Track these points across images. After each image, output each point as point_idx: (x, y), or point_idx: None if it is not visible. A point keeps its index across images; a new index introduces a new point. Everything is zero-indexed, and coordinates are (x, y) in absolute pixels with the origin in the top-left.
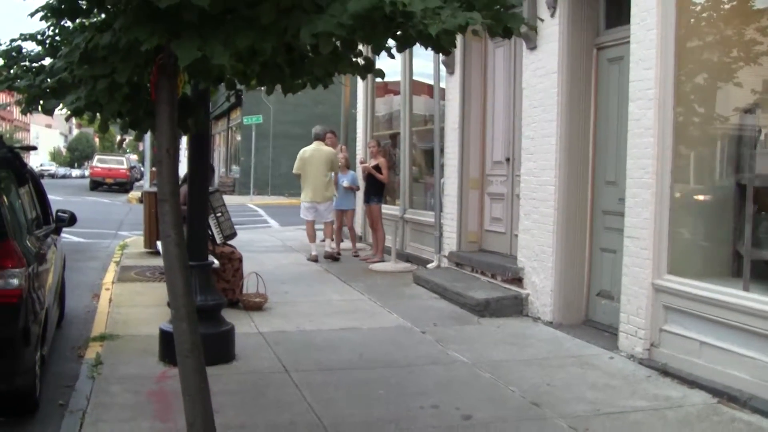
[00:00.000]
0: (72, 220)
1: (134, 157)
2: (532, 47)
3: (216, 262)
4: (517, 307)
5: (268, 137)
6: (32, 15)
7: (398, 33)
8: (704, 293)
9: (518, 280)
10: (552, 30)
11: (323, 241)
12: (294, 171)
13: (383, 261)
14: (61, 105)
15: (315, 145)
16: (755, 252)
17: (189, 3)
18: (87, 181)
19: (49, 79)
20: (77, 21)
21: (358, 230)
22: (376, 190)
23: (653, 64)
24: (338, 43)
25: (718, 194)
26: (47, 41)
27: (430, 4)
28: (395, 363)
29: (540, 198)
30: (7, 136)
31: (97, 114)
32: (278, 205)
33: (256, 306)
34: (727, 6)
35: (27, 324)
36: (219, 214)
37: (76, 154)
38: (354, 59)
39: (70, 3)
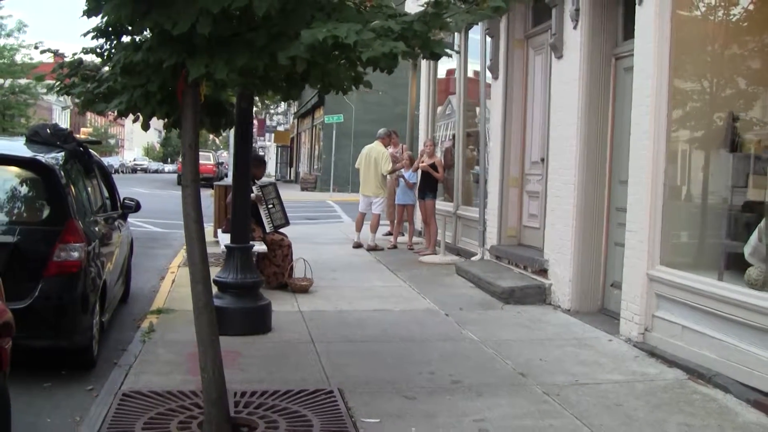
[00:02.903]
0: (137, 207)
1: (225, 154)
2: (559, 56)
3: (264, 247)
4: (540, 295)
5: (349, 136)
6: (85, 35)
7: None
8: (686, 282)
9: (544, 271)
10: (575, 40)
11: (386, 235)
12: (356, 165)
13: (435, 254)
14: (107, 107)
15: (374, 144)
16: (730, 245)
17: (195, 31)
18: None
19: (98, 88)
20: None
21: (417, 225)
22: (431, 186)
23: (650, 74)
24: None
25: (702, 193)
26: (105, 54)
27: (363, 37)
28: (412, 338)
29: (562, 195)
30: (102, 130)
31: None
32: (355, 201)
33: (302, 288)
34: (716, 22)
35: (86, 291)
36: (271, 206)
37: (169, 150)
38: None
39: (114, 27)
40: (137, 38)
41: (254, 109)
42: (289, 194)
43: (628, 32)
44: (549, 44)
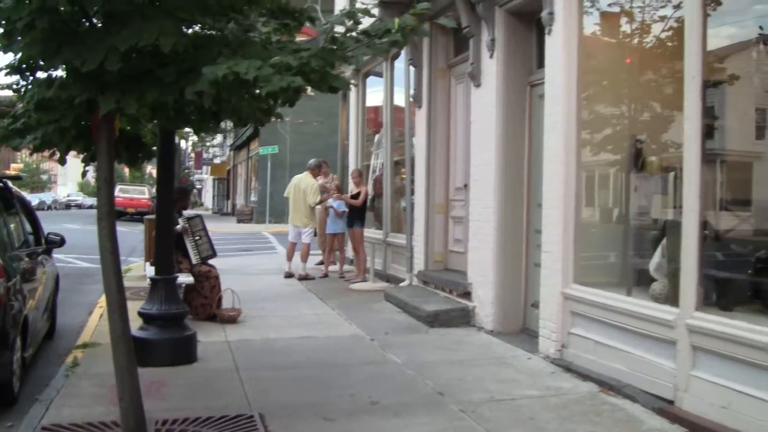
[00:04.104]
0: (62, 242)
1: None
2: (477, 85)
3: (190, 278)
4: (464, 318)
5: (285, 167)
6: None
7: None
8: (598, 299)
9: (468, 294)
10: (491, 69)
11: (318, 264)
12: (285, 194)
13: (365, 281)
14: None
15: (303, 175)
16: (637, 262)
17: (104, 69)
18: None
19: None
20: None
21: (349, 253)
22: (359, 215)
23: (560, 101)
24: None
25: (611, 213)
26: (21, 90)
27: (263, 72)
28: (335, 364)
29: (483, 219)
30: (34, 166)
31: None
32: None
33: (230, 319)
34: (620, 51)
35: (5, 327)
36: (197, 238)
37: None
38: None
39: (27, 63)
40: (53, 74)
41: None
42: (226, 227)
43: (542, 61)
44: (468, 73)
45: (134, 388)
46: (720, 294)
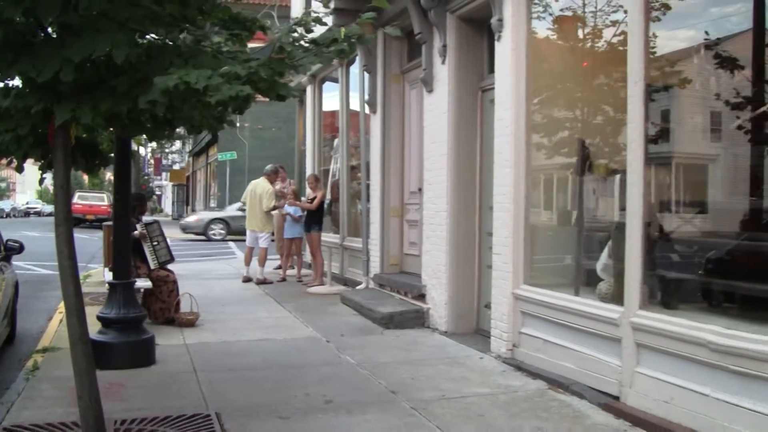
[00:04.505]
0: (21, 249)
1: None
2: (430, 90)
3: (148, 283)
4: (419, 319)
5: (243, 172)
6: None
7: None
8: (547, 299)
9: (422, 296)
10: (443, 75)
11: (276, 268)
12: (242, 200)
13: (322, 285)
14: None
15: (260, 180)
16: (585, 263)
17: (59, 79)
18: None
19: None
20: None
21: (307, 257)
22: (316, 220)
23: (509, 106)
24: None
25: (561, 216)
26: None
27: (213, 82)
28: (292, 365)
29: (436, 223)
30: None
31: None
32: None
33: (188, 322)
34: (568, 56)
35: None
36: (155, 243)
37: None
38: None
39: None
40: (9, 83)
41: (149, 149)
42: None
43: (493, 66)
44: (420, 79)
45: (93, 389)
46: (665, 293)
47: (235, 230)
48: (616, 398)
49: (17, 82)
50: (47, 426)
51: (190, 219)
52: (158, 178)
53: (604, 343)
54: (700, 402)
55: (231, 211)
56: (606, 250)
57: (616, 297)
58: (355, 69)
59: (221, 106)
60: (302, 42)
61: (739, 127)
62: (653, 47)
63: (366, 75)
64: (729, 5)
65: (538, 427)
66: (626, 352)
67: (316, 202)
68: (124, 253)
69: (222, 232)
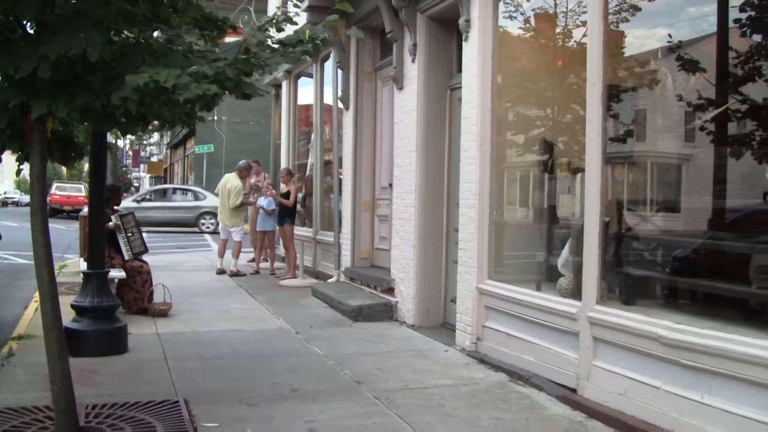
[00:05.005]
0: None
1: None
2: (400, 88)
3: (122, 273)
4: (387, 312)
5: (221, 165)
6: None
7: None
8: (510, 294)
9: (391, 290)
10: (413, 73)
11: (250, 261)
12: (215, 192)
13: (294, 278)
14: None
15: (231, 176)
16: (547, 259)
17: (36, 75)
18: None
19: None
20: None
21: (280, 251)
22: (289, 213)
23: (476, 104)
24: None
25: (524, 212)
26: None
27: (181, 81)
28: (260, 354)
29: (405, 218)
30: None
31: None
32: None
33: (161, 313)
34: (533, 57)
35: None
36: (130, 234)
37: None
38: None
39: None
40: None
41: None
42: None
43: (461, 65)
44: (391, 77)
45: (65, 373)
46: (623, 289)
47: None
48: (574, 391)
49: None
50: (20, 409)
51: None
52: (136, 170)
53: (562, 337)
54: (652, 394)
55: (128, 203)
56: (567, 247)
57: (576, 292)
58: (329, 65)
59: (189, 103)
60: (269, 42)
61: (701, 128)
62: (619, 48)
63: (339, 72)
64: (693, 8)
65: (496, 417)
66: (583, 346)
67: (292, 197)
68: (99, 244)
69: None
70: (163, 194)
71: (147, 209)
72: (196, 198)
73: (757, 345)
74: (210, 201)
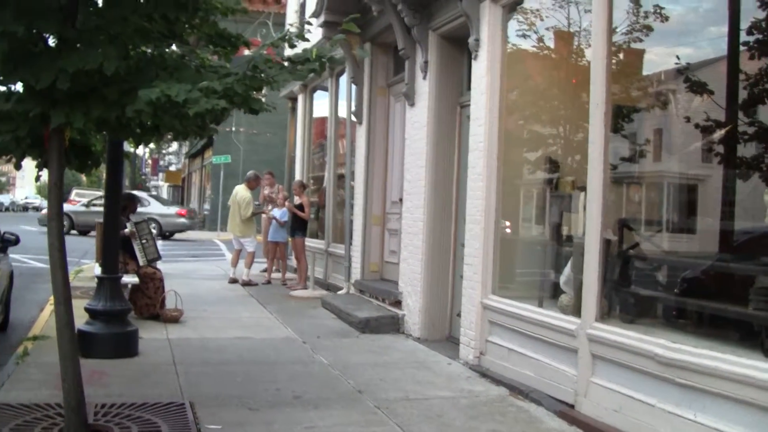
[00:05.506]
0: (17, 241)
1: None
2: (411, 104)
3: (135, 279)
4: (394, 325)
5: (237, 176)
6: None
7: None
8: (513, 309)
9: (398, 303)
10: (424, 90)
11: (263, 271)
12: (228, 203)
13: (305, 288)
14: None
15: (240, 187)
16: (550, 275)
17: (55, 87)
18: None
19: None
20: None
21: (293, 262)
22: (300, 225)
23: (483, 122)
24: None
25: (529, 229)
26: None
27: (192, 95)
28: (265, 362)
29: (414, 232)
30: None
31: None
32: None
33: (172, 319)
34: (541, 77)
35: None
36: (144, 241)
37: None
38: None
39: None
40: (11, 88)
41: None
42: (177, 233)
43: (471, 83)
44: (403, 93)
45: (76, 372)
46: (623, 307)
47: (79, 224)
48: (572, 406)
49: (18, 87)
50: (33, 406)
51: (44, 212)
52: (155, 178)
53: (562, 353)
54: (647, 412)
55: (74, 207)
56: (569, 264)
57: (576, 309)
58: (344, 79)
59: (199, 117)
60: (278, 59)
61: (709, 150)
62: (626, 69)
63: (353, 87)
64: (703, 32)
65: (493, 429)
66: (582, 362)
67: (306, 210)
68: (113, 249)
69: (65, 225)
70: None
71: (94, 213)
72: (141, 204)
73: (749, 365)
74: (154, 208)
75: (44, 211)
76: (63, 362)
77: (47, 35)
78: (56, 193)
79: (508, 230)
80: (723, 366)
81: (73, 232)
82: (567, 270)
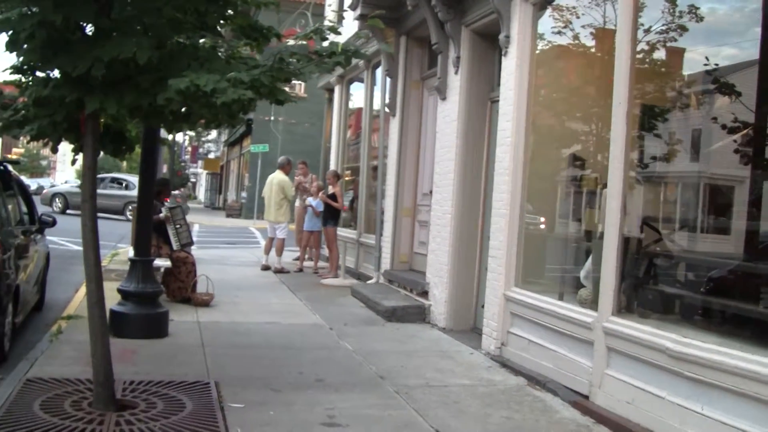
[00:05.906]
0: (53, 223)
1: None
2: (443, 98)
3: (168, 262)
4: (420, 315)
5: (274, 165)
6: (5, 70)
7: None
8: (534, 302)
9: (425, 293)
10: (456, 85)
11: (295, 259)
12: (262, 194)
13: (336, 277)
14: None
15: (276, 173)
16: (571, 269)
17: (91, 74)
18: None
19: (15, 115)
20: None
21: (325, 251)
22: (333, 215)
23: (511, 117)
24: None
25: (552, 223)
26: (22, 86)
27: (220, 86)
28: (292, 346)
29: (442, 224)
30: (34, 152)
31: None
32: None
33: (203, 302)
34: (569, 75)
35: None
36: (178, 226)
37: (102, 173)
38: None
39: (28, 65)
40: (49, 74)
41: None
42: (215, 220)
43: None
44: (435, 87)
45: (105, 348)
46: (639, 301)
47: (73, 204)
48: (586, 397)
49: (56, 73)
50: (64, 380)
51: (45, 192)
52: (194, 165)
53: (579, 346)
54: (657, 404)
55: (68, 187)
56: (590, 259)
57: (594, 303)
58: (380, 72)
59: (226, 107)
60: (304, 53)
61: (736, 151)
62: (653, 68)
63: (388, 80)
64: (735, 32)
65: (507, 416)
66: (597, 355)
67: (339, 200)
68: (146, 233)
69: (60, 205)
70: (99, 182)
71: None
72: (126, 188)
73: (754, 360)
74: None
75: (45, 191)
76: (93, 339)
77: (84, 24)
78: (90, 176)
79: (542, 225)
80: (729, 361)
81: (69, 212)
82: (587, 264)
